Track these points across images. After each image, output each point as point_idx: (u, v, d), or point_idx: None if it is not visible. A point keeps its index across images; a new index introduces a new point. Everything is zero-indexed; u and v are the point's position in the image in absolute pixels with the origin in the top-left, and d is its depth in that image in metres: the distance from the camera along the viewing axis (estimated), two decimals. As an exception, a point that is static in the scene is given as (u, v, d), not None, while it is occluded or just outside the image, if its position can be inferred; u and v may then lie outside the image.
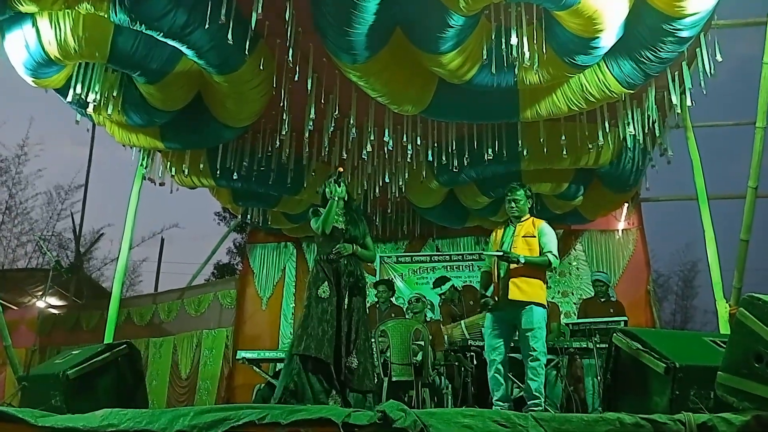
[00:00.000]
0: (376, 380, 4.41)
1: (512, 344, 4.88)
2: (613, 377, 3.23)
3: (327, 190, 4.39)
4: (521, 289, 4.48)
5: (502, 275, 4.59)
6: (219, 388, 9.28)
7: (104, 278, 19.14)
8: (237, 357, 6.74)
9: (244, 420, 2.47)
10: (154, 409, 3.02)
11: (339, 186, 4.33)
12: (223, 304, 10.09)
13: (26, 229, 18.79)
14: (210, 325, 9.96)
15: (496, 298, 4.61)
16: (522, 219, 4.78)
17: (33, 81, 5.44)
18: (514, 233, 4.73)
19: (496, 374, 4.56)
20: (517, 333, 4.59)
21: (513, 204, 4.77)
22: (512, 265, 4.51)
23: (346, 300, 4.17)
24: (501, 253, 4.52)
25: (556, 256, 4.60)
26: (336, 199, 4.28)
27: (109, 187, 20.01)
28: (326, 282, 4.14)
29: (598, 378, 5.37)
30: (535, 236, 4.65)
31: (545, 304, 4.57)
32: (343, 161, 6.88)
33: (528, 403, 4.40)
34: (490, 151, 6.66)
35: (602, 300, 7.18)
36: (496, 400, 4.52)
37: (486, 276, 4.88)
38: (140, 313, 10.72)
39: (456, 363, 6.03)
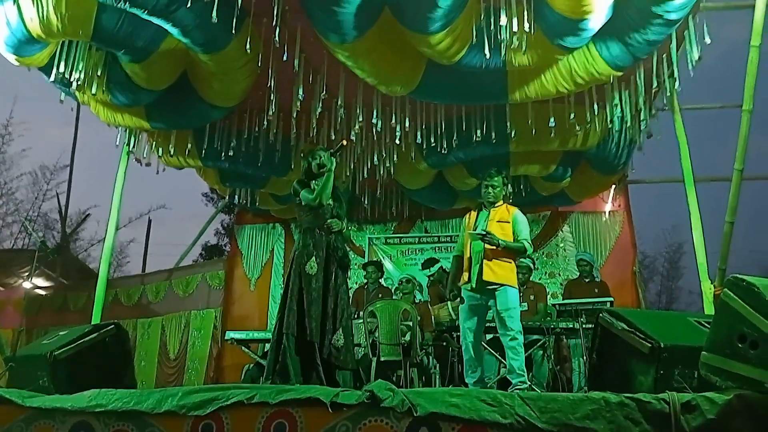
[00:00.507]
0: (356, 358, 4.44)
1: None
2: (598, 357, 3.27)
3: (315, 163, 4.27)
4: (494, 271, 4.60)
5: (475, 258, 4.68)
6: (208, 369, 9.30)
7: (91, 259, 19.05)
8: (226, 338, 6.74)
9: (232, 400, 2.49)
10: (142, 389, 3.02)
11: (336, 159, 4.26)
12: (211, 285, 10.08)
13: (11, 210, 18.60)
14: (198, 306, 9.95)
15: (467, 279, 4.71)
16: (496, 204, 4.88)
17: (15, 59, 5.34)
18: (488, 218, 4.82)
19: (475, 356, 4.71)
20: (493, 314, 4.70)
21: (490, 189, 4.87)
22: (487, 248, 4.61)
23: (334, 276, 4.15)
24: (484, 233, 4.59)
25: (530, 244, 4.79)
26: (333, 170, 4.19)
27: (95, 168, 19.83)
28: (314, 257, 4.07)
29: (584, 358, 5.44)
30: (509, 222, 4.77)
31: (516, 286, 4.70)
32: (331, 142, 6.84)
33: (513, 381, 4.48)
34: (478, 132, 6.66)
35: (587, 280, 7.25)
36: (474, 382, 4.63)
37: (457, 261, 5.01)
38: (128, 294, 10.68)
39: (444, 343, 6.08)
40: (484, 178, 4.94)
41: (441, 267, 7.58)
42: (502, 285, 4.58)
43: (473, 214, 4.98)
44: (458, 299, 4.84)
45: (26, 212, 18.41)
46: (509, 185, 5.12)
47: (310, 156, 4.36)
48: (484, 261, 4.60)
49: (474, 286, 4.64)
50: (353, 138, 6.84)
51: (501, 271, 4.60)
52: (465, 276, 4.75)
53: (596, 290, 6.93)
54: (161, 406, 2.55)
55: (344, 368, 4.17)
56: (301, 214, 4.30)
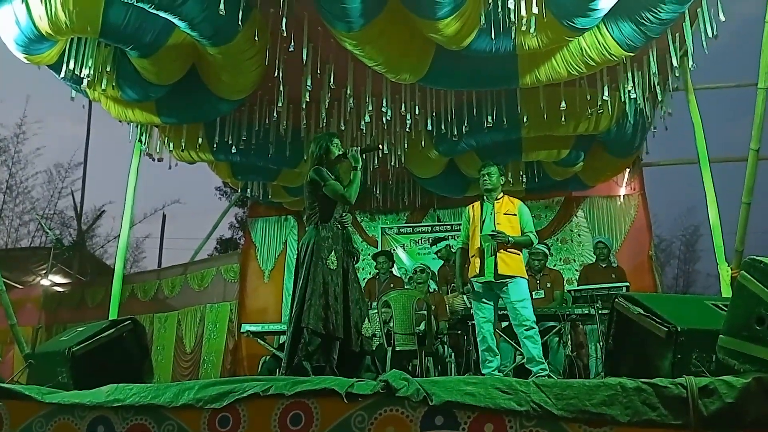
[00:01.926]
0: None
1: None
2: (614, 342, 3.24)
3: (335, 150, 4.15)
4: (508, 264, 4.72)
5: (488, 251, 4.75)
6: (224, 362, 9.37)
7: (108, 255, 19.26)
8: (242, 330, 6.78)
9: (248, 392, 2.49)
10: (159, 383, 3.04)
11: (362, 158, 4.17)
12: (226, 279, 10.14)
13: (28, 208, 18.83)
14: (213, 300, 10.02)
15: (479, 272, 4.77)
16: (497, 197, 4.97)
17: (25, 57, 5.37)
18: (493, 210, 4.89)
19: (491, 345, 4.76)
20: (506, 304, 4.77)
21: (486, 177, 4.97)
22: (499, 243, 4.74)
23: (350, 269, 4.11)
24: (494, 233, 4.72)
25: (535, 235, 4.96)
26: (360, 169, 4.11)
27: (109, 165, 19.99)
28: (333, 251, 3.98)
29: (601, 343, 5.41)
30: (515, 214, 4.89)
31: (526, 276, 4.83)
32: (341, 132, 6.83)
33: (534, 370, 4.53)
34: (489, 118, 6.60)
35: (603, 266, 7.18)
36: (492, 372, 4.66)
37: (463, 253, 5.09)
38: (144, 289, 10.78)
39: (459, 332, 6.07)
40: (479, 169, 5.05)
41: (447, 244, 7.54)
42: (514, 277, 4.68)
43: (477, 206, 5.04)
44: (469, 291, 4.93)
45: (42, 210, 18.63)
46: (507, 175, 5.16)
47: (329, 142, 4.18)
48: (498, 255, 4.70)
49: (491, 279, 4.70)
50: (363, 128, 6.82)
51: (513, 263, 4.73)
52: (476, 268, 4.80)
53: (613, 276, 6.86)
54: (178, 399, 2.56)
55: (370, 354, 4.22)
56: (315, 205, 4.09)
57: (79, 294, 11.35)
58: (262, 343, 6.49)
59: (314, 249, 3.96)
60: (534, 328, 4.61)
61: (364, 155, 4.22)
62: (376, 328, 5.81)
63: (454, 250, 7.46)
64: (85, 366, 3.50)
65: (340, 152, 4.17)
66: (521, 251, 4.87)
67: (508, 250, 4.73)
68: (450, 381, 2.39)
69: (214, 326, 9.78)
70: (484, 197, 5.01)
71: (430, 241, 7.91)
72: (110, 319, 5.71)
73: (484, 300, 4.81)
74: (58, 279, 12.26)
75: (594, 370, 6.51)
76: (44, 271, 11.91)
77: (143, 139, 7.24)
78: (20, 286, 12.07)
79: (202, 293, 10.22)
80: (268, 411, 2.45)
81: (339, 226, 4.10)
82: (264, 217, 10.60)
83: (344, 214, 4.15)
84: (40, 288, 11.72)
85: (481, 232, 4.83)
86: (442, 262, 7.62)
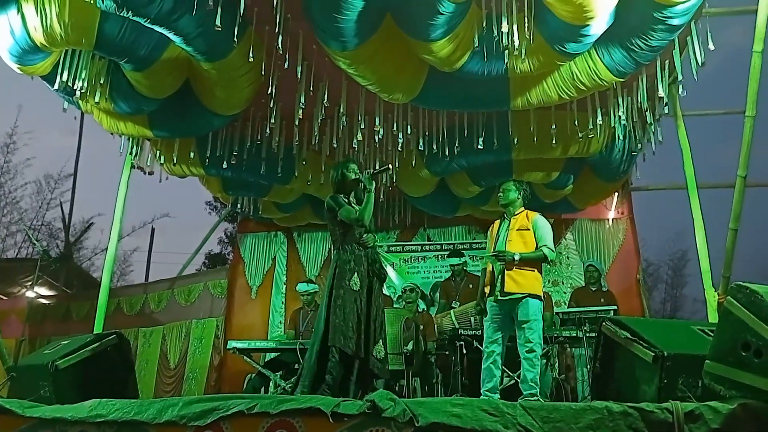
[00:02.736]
0: None
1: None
2: (601, 366, 3.25)
3: (351, 176, 4.32)
4: (517, 281, 4.57)
5: (498, 270, 4.67)
6: (208, 378, 9.26)
7: (95, 268, 19.08)
8: (228, 347, 6.71)
9: (233, 410, 2.48)
10: (142, 399, 3.01)
11: (374, 180, 4.31)
12: (213, 294, 10.05)
13: (15, 219, 18.67)
14: (200, 315, 9.92)
15: (488, 291, 4.70)
16: (516, 212, 4.87)
17: (19, 68, 5.36)
18: (508, 227, 4.83)
19: (491, 365, 4.63)
20: (514, 324, 4.65)
21: (501, 193, 4.93)
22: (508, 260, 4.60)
23: (374, 289, 4.17)
24: (496, 254, 4.63)
25: (551, 249, 4.69)
26: (373, 192, 4.24)
27: (99, 177, 19.89)
28: (356, 273, 4.10)
29: (588, 367, 5.41)
30: (529, 229, 4.75)
31: (541, 295, 4.66)
32: (333, 149, 6.84)
33: (524, 393, 4.46)
34: (480, 140, 6.65)
35: (593, 289, 7.21)
36: (486, 391, 4.59)
37: (485, 274, 4.95)
38: (130, 303, 10.66)
39: (446, 352, 6.05)
40: (497, 186, 5.02)
41: (465, 261, 7.50)
42: (525, 296, 4.55)
43: (496, 224, 5.01)
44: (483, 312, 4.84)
45: (30, 221, 18.48)
46: (526, 190, 5.05)
47: (344, 168, 4.39)
48: (506, 272, 4.59)
49: (498, 297, 4.62)
50: (355, 146, 6.84)
51: (524, 281, 4.58)
52: (488, 288, 4.75)
53: (602, 300, 6.88)
54: (162, 416, 2.53)
55: (383, 377, 4.27)
56: (336, 230, 4.28)
57: (64, 307, 11.21)
58: (248, 360, 6.43)
59: (337, 272, 4.14)
60: (535, 351, 4.49)
61: (376, 177, 4.37)
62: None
63: (466, 269, 7.48)
64: (69, 380, 3.47)
65: (356, 177, 4.34)
66: (538, 267, 4.69)
67: (521, 267, 4.58)
68: (437, 402, 2.38)
69: (200, 342, 9.67)
70: (504, 214, 4.97)
71: (450, 251, 7.79)
72: (95, 332, 5.65)
73: (494, 323, 4.69)
74: (44, 291, 12.12)
75: (581, 395, 6.50)
76: (30, 283, 11.76)
77: (134, 151, 7.21)
78: (5, 298, 11.93)
79: (189, 308, 10.13)
80: (252, 429, 2.43)
81: (360, 247, 4.20)
82: (254, 233, 10.54)
83: (365, 235, 4.23)
84: (25, 300, 11.56)
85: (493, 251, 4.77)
86: (450, 274, 7.57)
